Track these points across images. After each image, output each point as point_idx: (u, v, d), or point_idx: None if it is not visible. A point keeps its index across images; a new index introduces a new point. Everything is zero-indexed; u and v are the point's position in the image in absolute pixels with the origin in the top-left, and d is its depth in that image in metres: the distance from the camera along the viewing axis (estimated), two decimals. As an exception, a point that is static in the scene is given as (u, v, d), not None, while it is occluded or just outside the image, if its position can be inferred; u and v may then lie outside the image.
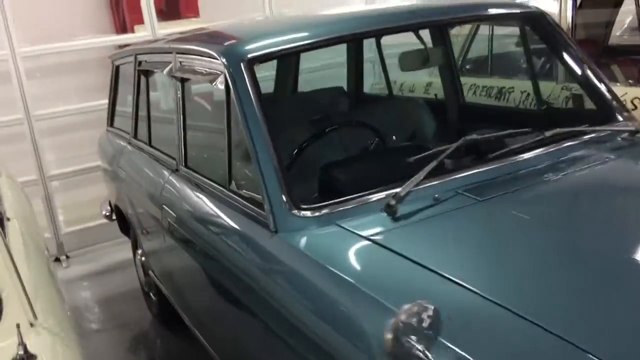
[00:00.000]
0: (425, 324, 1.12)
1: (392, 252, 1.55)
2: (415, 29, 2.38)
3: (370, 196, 1.80)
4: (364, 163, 2.10)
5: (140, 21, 6.31)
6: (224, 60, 2.07)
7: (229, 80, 2.03)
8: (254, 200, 1.93)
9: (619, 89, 2.96)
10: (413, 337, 1.14)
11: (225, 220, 2.11)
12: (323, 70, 4.89)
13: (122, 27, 6.66)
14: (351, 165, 2.08)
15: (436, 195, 1.77)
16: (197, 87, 2.70)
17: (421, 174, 1.76)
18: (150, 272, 3.36)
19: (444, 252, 1.57)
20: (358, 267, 1.55)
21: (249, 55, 2.03)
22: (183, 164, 2.58)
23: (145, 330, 3.82)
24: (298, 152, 2.17)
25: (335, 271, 1.51)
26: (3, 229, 1.86)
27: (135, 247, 3.79)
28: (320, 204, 1.79)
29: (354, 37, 2.40)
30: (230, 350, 2.24)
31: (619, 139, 2.06)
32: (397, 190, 1.75)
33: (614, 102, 2.27)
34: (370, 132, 2.34)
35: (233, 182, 2.11)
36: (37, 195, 4.88)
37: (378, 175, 1.88)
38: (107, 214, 4.20)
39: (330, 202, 1.79)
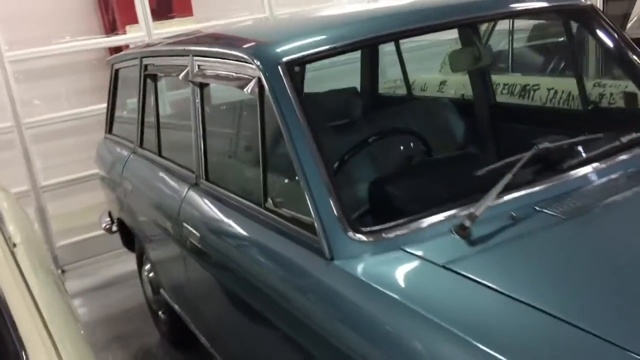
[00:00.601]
0: None
1: (476, 283, 1.35)
2: (462, 25, 2.17)
3: (434, 216, 1.59)
4: (424, 176, 1.88)
5: (132, 21, 6.05)
6: (258, 63, 1.84)
7: (266, 86, 1.81)
8: (299, 221, 1.71)
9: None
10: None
11: (262, 244, 1.89)
12: (327, 69, 4.68)
13: (112, 28, 6.39)
14: (410, 180, 1.86)
15: (513, 214, 1.56)
16: (219, 92, 2.46)
17: (496, 189, 1.55)
18: (162, 291, 3.12)
19: (535, 281, 1.36)
20: (440, 302, 1.33)
21: (288, 58, 1.80)
22: (204, 177, 2.35)
23: (153, 351, 3.59)
24: (339, 165, 1.95)
25: (413, 307, 1.30)
26: (17, 262, 1.62)
27: (140, 262, 3.55)
28: (381, 227, 1.58)
29: (397, 36, 2.17)
30: None
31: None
32: (471, 209, 1.54)
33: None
34: (413, 139, 2.13)
35: (269, 200, 1.88)
36: (29, 205, 4.61)
37: (442, 190, 1.67)
38: (107, 226, 3.95)
39: (391, 223, 1.58)
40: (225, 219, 2.12)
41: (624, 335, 1.11)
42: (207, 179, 2.34)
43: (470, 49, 2.29)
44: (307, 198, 1.63)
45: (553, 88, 3.50)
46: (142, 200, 2.96)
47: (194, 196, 2.36)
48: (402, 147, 2.11)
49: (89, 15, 6.54)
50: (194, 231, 2.25)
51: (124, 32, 6.11)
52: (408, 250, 1.51)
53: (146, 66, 2.96)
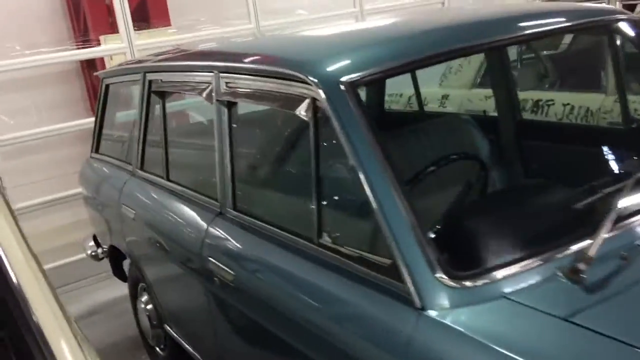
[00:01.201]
0: None
1: (612, 339, 1.17)
2: (529, 40, 2.00)
3: (537, 257, 1.40)
4: (514, 210, 1.69)
5: (107, 31, 5.75)
6: (315, 80, 1.63)
7: (325, 107, 1.59)
8: (371, 262, 1.51)
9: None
10: None
11: (319, 286, 1.67)
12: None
13: (84, 37, 6.05)
14: (502, 214, 1.67)
15: (623, 253, 1.39)
16: (247, 112, 2.23)
17: (606, 225, 1.38)
18: (167, 326, 2.85)
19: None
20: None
21: (351, 76, 1.60)
22: (231, 206, 2.11)
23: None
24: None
25: None
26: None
27: (135, 293, 3.26)
28: (477, 270, 1.38)
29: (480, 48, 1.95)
30: None
31: None
32: (579, 248, 1.37)
33: None
34: (474, 163, 1.94)
35: (324, 235, 1.67)
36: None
37: (539, 226, 1.49)
38: (94, 253, 3.66)
39: (488, 266, 1.39)
40: (266, 256, 1.89)
41: None
42: (235, 208, 2.11)
43: (537, 67, 2.14)
44: (388, 236, 1.42)
45: (569, 104, 3.39)
46: (147, 230, 2.69)
47: (221, 228, 2.13)
48: (460, 173, 1.91)
49: (57, 21, 6.19)
50: (226, 268, 2.00)
51: (98, 42, 5.80)
52: (514, 299, 1.32)
53: (150, 82, 2.71)
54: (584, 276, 1.32)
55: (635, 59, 2.49)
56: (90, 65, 5.85)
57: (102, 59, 5.52)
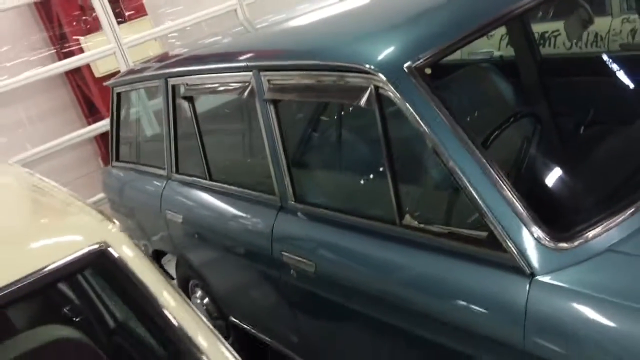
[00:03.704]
0: None
1: None
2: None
3: (632, 206, 1.47)
4: (597, 162, 1.74)
5: (82, 32, 5.64)
6: (379, 71, 1.65)
7: (396, 98, 1.62)
8: (468, 237, 1.56)
9: None
10: None
11: (411, 265, 1.73)
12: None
13: (61, 41, 5.92)
14: (585, 169, 1.72)
15: None
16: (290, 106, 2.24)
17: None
18: (233, 319, 2.93)
19: None
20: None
21: (415, 61, 1.62)
22: (292, 199, 2.15)
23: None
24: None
25: None
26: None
27: (185, 290, 3.32)
28: (579, 227, 1.45)
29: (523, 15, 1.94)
30: None
31: None
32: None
33: None
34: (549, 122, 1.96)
35: (407, 216, 1.72)
36: None
37: (623, 174, 1.55)
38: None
39: (589, 222, 1.45)
40: (347, 244, 1.94)
41: None
42: (296, 200, 2.15)
43: (581, 14, 2.16)
44: (483, 208, 1.48)
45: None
46: (201, 231, 2.73)
47: (288, 222, 2.17)
48: (533, 131, 1.93)
49: (31, 28, 6.04)
50: (305, 260, 2.06)
51: (77, 43, 5.68)
52: (620, 249, 1.39)
53: (174, 87, 2.70)
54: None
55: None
56: (74, 69, 5.74)
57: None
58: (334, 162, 2.29)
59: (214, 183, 2.63)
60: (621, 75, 2.19)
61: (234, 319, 2.93)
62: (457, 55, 4.05)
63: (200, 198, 2.72)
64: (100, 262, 1.16)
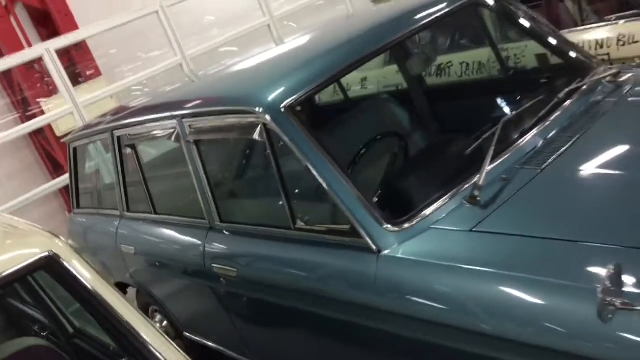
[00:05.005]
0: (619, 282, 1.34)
1: (500, 235, 1.77)
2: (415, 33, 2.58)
3: (447, 195, 2.00)
4: (426, 165, 2.29)
5: (44, 94, 6.12)
6: (261, 110, 2.17)
7: (275, 130, 2.14)
8: (336, 231, 2.07)
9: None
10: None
11: (304, 259, 2.23)
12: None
13: (23, 106, 6.40)
14: (417, 171, 2.27)
15: (503, 176, 2.00)
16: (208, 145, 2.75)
17: (487, 161, 1.98)
18: (186, 334, 3.37)
19: (537, 221, 1.80)
20: (495, 258, 1.73)
21: (288, 101, 2.15)
22: (218, 220, 2.65)
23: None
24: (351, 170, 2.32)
25: (478, 268, 1.70)
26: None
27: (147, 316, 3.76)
28: (409, 215, 1.97)
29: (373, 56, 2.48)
30: None
31: (607, 83, 2.39)
32: (473, 180, 1.97)
33: (582, 55, 2.62)
34: (396, 138, 2.52)
35: (298, 222, 2.23)
36: None
37: (443, 173, 2.09)
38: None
39: (413, 210, 1.98)
40: (258, 249, 2.44)
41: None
42: (221, 221, 2.64)
43: (423, 53, 2.73)
44: (344, 209, 1.99)
45: (464, 62, 4.03)
46: (150, 259, 3.20)
47: (215, 239, 2.66)
48: (386, 146, 2.49)
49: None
50: (228, 268, 2.55)
51: (39, 106, 6.15)
52: (437, 227, 1.92)
53: (119, 137, 3.20)
54: (479, 199, 1.92)
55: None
56: (37, 131, 6.20)
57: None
58: (246, 186, 2.81)
59: (158, 216, 3.12)
60: (471, 95, 2.77)
61: (187, 334, 3.38)
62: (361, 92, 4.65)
63: (148, 229, 3.20)
64: (50, 264, 1.62)
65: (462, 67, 4.06)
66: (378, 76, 4.61)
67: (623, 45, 3.41)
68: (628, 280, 1.37)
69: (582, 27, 3.70)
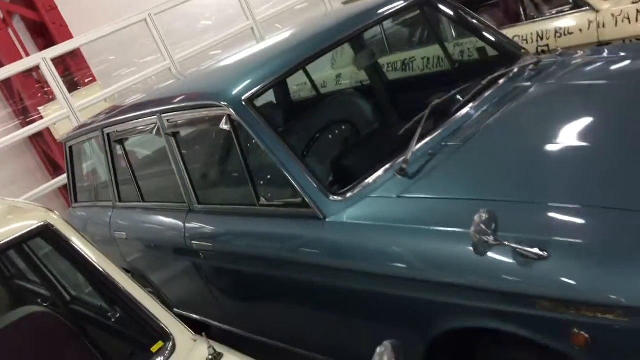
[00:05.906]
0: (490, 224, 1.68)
1: (422, 198, 2.13)
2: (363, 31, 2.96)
3: (381, 169, 2.36)
4: (365, 147, 2.66)
5: (43, 102, 6.48)
6: (225, 103, 2.53)
7: (238, 120, 2.50)
8: (291, 204, 2.43)
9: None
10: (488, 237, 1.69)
11: (266, 231, 2.58)
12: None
13: (23, 113, 6.76)
14: (358, 152, 2.63)
15: (430, 151, 2.36)
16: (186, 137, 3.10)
17: (414, 140, 2.34)
18: (176, 309, 3.72)
19: (454, 186, 2.16)
20: (412, 216, 2.08)
21: (247, 94, 2.51)
22: (196, 203, 3.00)
23: None
24: (306, 155, 2.69)
25: (400, 225, 2.05)
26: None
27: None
28: (349, 187, 2.33)
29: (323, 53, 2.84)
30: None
31: (529, 70, 2.75)
32: (403, 156, 2.32)
33: (513, 46, 2.97)
34: (347, 124, 2.89)
35: (262, 199, 2.58)
36: None
37: (380, 152, 2.44)
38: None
39: (354, 182, 2.33)
40: (229, 225, 2.80)
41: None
42: (199, 203, 3.00)
43: (368, 51, 3.10)
44: (297, 186, 2.35)
45: (426, 57, 4.38)
46: (140, 243, 3.56)
47: (194, 219, 3.02)
48: (338, 132, 2.87)
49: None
50: (205, 243, 2.90)
51: (38, 113, 6.52)
52: (373, 195, 2.27)
53: (108, 134, 3.56)
54: (407, 171, 2.28)
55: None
56: (37, 135, 6.58)
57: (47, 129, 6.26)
58: (218, 171, 3.17)
59: (145, 203, 3.48)
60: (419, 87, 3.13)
61: (177, 310, 3.73)
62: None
63: (137, 216, 3.56)
64: (45, 232, 1.98)
65: (423, 61, 4.41)
66: (350, 72, 4.97)
67: (560, 37, 3.77)
68: (501, 223, 1.72)
69: (525, 22, 4.07)
